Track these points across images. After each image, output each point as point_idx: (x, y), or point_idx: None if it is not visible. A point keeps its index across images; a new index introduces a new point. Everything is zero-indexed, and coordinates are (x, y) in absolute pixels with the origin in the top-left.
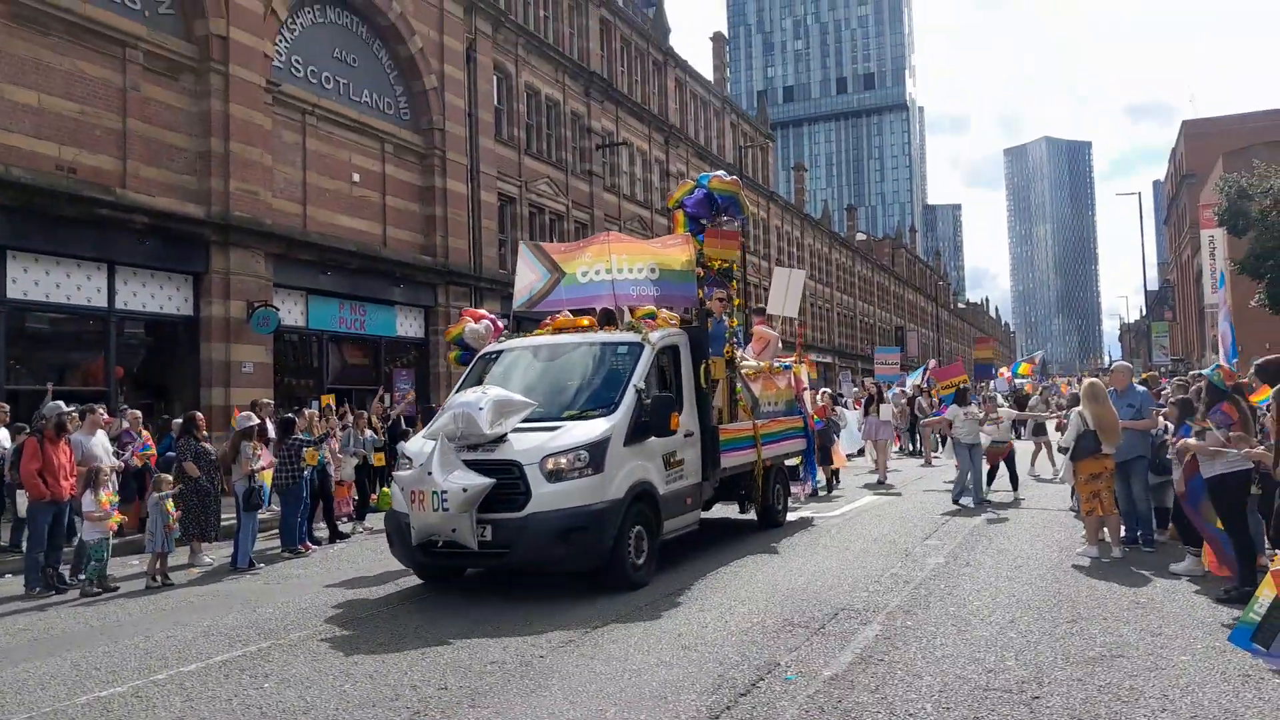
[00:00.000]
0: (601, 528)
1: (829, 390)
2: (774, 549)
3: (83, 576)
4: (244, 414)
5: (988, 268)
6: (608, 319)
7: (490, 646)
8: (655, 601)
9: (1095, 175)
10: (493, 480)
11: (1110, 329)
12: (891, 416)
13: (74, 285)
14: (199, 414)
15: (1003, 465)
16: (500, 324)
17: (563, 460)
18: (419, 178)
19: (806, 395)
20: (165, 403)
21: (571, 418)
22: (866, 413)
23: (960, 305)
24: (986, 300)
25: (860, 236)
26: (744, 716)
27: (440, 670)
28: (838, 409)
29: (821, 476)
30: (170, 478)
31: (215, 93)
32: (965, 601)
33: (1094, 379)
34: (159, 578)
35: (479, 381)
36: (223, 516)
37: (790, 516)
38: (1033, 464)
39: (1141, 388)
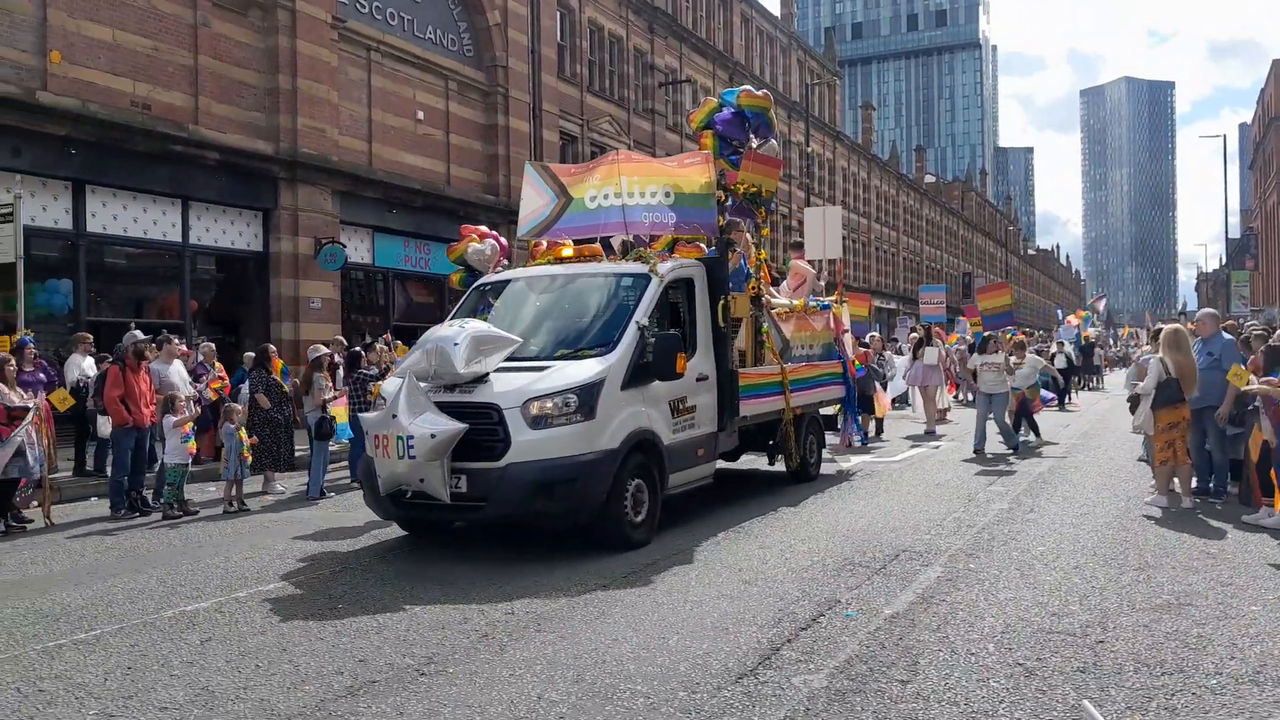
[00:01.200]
0: (591, 480)
1: (877, 334)
2: (832, 492)
3: (163, 500)
4: (313, 346)
5: (1058, 214)
6: (623, 249)
7: (554, 576)
8: (714, 537)
9: (1176, 118)
10: (464, 426)
11: (1186, 278)
12: (939, 360)
13: (150, 220)
14: (272, 346)
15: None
16: (504, 242)
17: (548, 404)
18: (482, 115)
19: (847, 339)
20: (236, 337)
21: (565, 357)
22: (915, 357)
23: (1030, 252)
24: (1057, 247)
25: (929, 179)
26: (805, 650)
27: (507, 597)
28: (886, 354)
29: (868, 426)
30: (241, 408)
31: (283, 29)
32: (1029, 547)
33: (1176, 325)
34: (235, 504)
35: (473, 314)
36: (296, 449)
37: (828, 469)
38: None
39: (1228, 336)
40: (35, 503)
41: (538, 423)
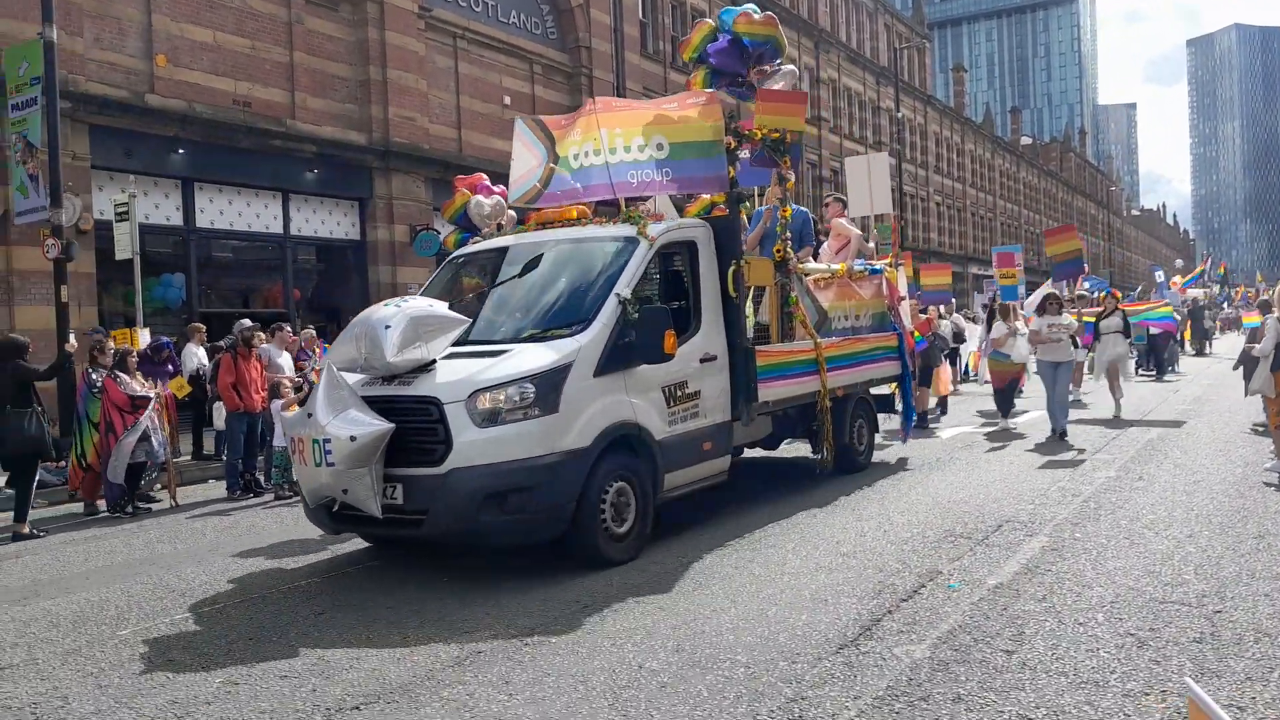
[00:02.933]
0: (553, 486)
1: (950, 301)
2: (929, 463)
3: (273, 481)
4: None
5: (1163, 173)
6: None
7: (650, 548)
8: (810, 510)
9: None
10: (389, 425)
11: None
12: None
13: (254, 214)
14: None
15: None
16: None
17: (499, 396)
18: (567, 97)
19: (904, 307)
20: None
21: (532, 339)
22: (989, 328)
23: (1134, 212)
24: (1163, 206)
25: (1025, 140)
26: (907, 621)
27: (607, 574)
28: (952, 320)
29: (931, 401)
30: None
31: (372, 21)
32: (1138, 515)
33: None
34: None
35: (448, 291)
36: None
37: (886, 455)
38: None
39: None
40: (160, 485)
41: (486, 419)
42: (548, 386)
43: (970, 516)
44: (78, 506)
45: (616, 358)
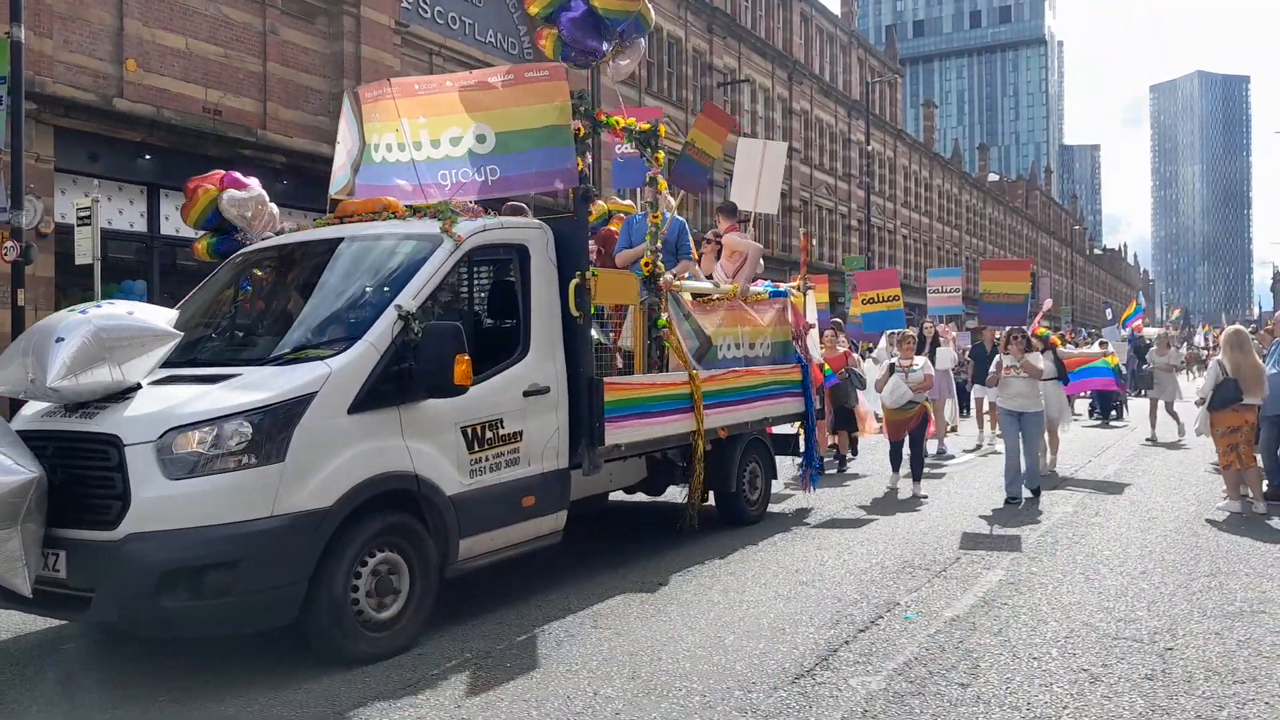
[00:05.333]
0: (273, 562)
1: (901, 331)
2: (891, 494)
3: None
4: None
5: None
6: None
7: (608, 574)
8: (770, 538)
9: (1252, 113)
10: (33, 475)
11: (1262, 278)
12: (951, 364)
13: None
14: None
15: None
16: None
17: (202, 437)
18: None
19: (812, 337)
20: None
21: (281, 360)
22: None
23: (1097, 252)
24: (1124, 246)
25: (992, 177)
26: (863, 651)
27: (562, 593)
28: (865, 357)
29: (832, 442)
30: None
31: (348, 35)
32: (1094, 551)
33: (1239, 326)
34: None
35: (216, 300)
36: None
37: (784, 506)
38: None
39: None
40: None
41: (183, 467)
42: (274, 425)
43: (928, 547)
44: None
45: (386, 389)
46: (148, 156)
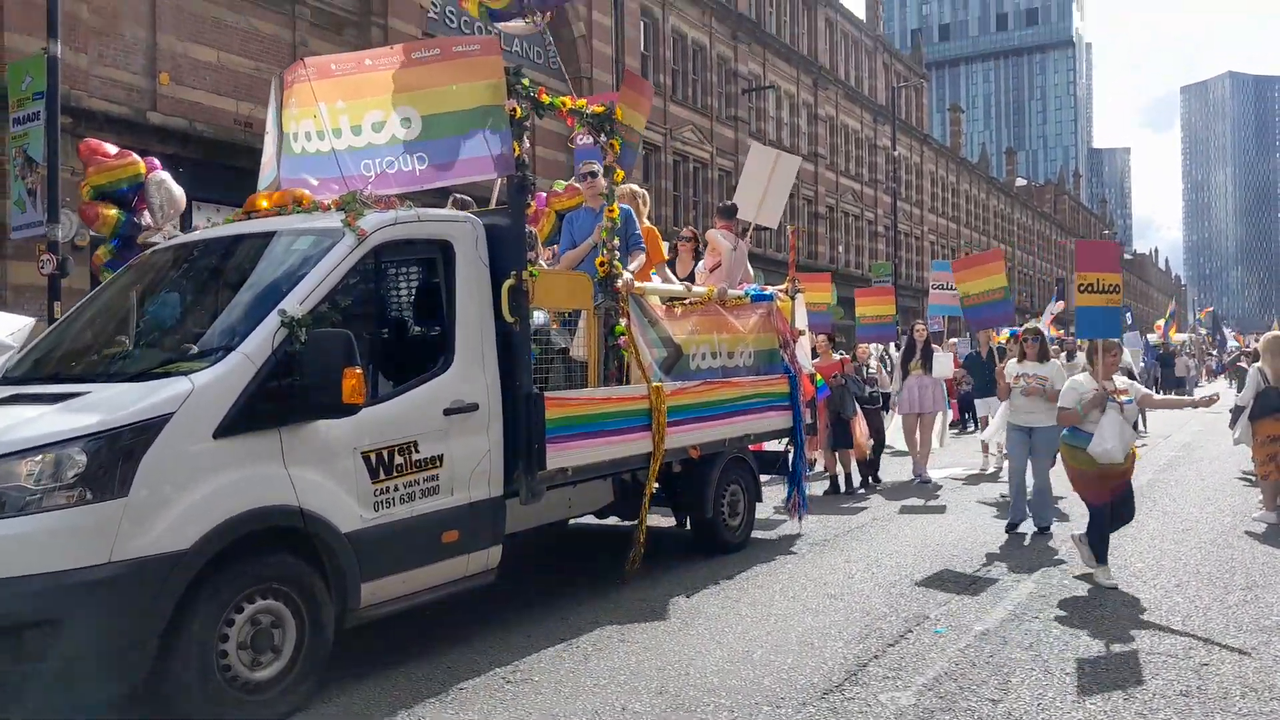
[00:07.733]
0: (110, 618)
1: (882, 345)
2: (923, 506)
3: None
4: None
5: (1153, 217)
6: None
7: (636, 584)
8: (799, 551)
9: None
10: None
11: None
12: (949, 373)
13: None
14: None
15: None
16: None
17: (21, 469)
18: (568, 127)
19: (802, 345)
20: None
21: (141, 375)
22: (907, 371)
23: (1127, 256)
24: (1155, 251)
25: (1020, 182)
26: (892, 666)
27: (590, 608)
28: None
29: (820, 463)
30: None
31: (376, 46)
32: (1127, 563)
33: (1277, 332)
34: None
35: (110, 306)
36: None
37: (768, 533)
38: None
39: None
40: None
41: (5, 504)
42: (113, 454)
43: (959, 559)
44: None
45: (264, 408)
46: (181, 169)
